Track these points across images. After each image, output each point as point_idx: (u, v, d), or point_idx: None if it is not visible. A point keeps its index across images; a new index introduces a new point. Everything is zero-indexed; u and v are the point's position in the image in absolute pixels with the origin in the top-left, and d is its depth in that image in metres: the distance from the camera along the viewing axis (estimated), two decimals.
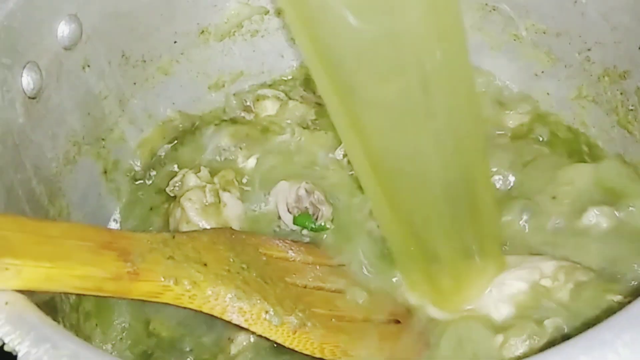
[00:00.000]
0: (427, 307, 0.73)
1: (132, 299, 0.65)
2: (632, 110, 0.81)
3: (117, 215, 0.86)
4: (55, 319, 0.68)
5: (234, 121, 0.93)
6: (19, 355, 0.46)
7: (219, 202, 0.82)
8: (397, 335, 0.72)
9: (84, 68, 0.79)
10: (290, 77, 0.98)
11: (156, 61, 0.89)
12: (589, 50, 0.84)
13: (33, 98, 0.71)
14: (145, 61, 0.88)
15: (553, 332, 0.66)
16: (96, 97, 0.82)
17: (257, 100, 0.94)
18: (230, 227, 0.80)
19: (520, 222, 0.77)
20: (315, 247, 0.79)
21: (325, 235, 0.79)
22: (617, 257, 0.73)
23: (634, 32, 0.77)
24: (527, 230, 0.77)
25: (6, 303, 0.49)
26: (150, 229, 0.83)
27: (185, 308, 0.64)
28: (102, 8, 0.80)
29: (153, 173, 0.88)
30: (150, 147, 0.90)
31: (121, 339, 0.75)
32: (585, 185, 0.79)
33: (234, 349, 0.73)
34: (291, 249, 0.77)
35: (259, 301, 0.66)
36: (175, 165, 0.88)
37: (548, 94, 0.91)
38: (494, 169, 0.82)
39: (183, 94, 0.93)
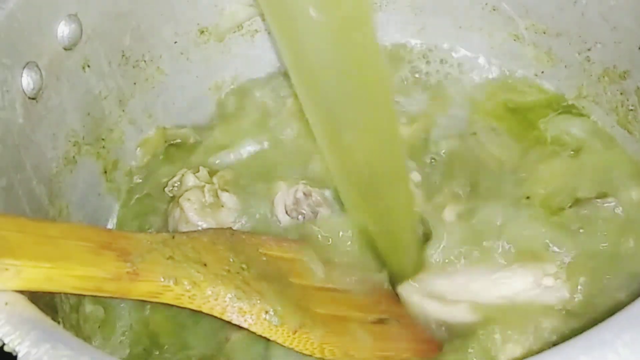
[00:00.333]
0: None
1: (132, 299, 0.65)
2: (632, 110, 0.81)
3: (116, 215, 0.86)
4: (55, 319, 0.68)
5: (233, 120, 0.93)
6: (19, 355, 0.46)
7: (218, 202, 0.82)
8: (398, 334, 0.72)
9: (84, 68, 0.79)
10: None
11: (156, 61, 0.89)
12: (589, 50, 0.84)
13: (33, 98, 0.71)
14: (145, 61, 0.88)
15: (551, 334, 0.66)
16: (96, 97, 0.82)
17: (255, 99, 0.94)
18: (230, 228, 0.80)
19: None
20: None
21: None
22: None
23: (634, 32, 0.78)
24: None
25: (6, 303, 0.49)
26: (149, 229, 0.83)
27: (185, 308, 0.64)
28: (102, 8, 0.80)
29: (153, 173, 0.88)
30: (150, 147, 0.90)
31: (121, 342, 0.75)
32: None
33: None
34: (291, 249, 0.77)
35: (258, 301, 0.66)
36: (175, 166, 0.88)
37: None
38: None
39: (183, 94, 0.93)
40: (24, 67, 0.70)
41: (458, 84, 0.94)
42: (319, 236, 0.78)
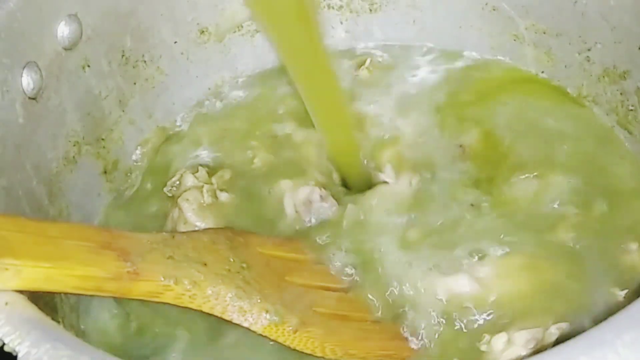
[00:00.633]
0: None
1: (132, 299, 0.65)
2: (632, 110, 0.81)
3: (116, 215, 0.86)
4: (55, 319, 0.68)
5: (233, 120, 0.93)
6: (19, 355, 0.46)
7: (217, 202, 0.82)
8: (397, 333, 0.72)
9: (84, 68, 0.79)
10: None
11: (156, 61, 0.89)
12: (589, 50, 0.84)
13: (33, 98, 0.71)
14: (145, 61, 0.88)
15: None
16: (96, 97, 0.82)
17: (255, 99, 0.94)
18: (230, 227, 0.80)
19: None
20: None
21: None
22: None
23: (634, 32, 0.78)
24: None
25: (6, 303, 0.49)
26: (148, 229, 0.83)
27: (185, 308, 0.64)
28: (102, 8, 0.80)
29: (152, 173, 0.88)
30: (150, 147, 0.90)
31: None
32: None
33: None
34: (291, 248, 0.77)
35: (259, 300, 0.66)
36: (174, 166, 0.88)
37: None
38: None
39: (183, 94, 0.93)
40: (24, 67, 0.70)
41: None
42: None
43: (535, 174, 0.81)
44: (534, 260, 0.73)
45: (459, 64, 0.95)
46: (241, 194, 0.84)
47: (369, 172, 0.85)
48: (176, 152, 0.90)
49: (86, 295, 0.68)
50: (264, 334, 0.66)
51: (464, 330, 0.70)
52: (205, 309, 0.64)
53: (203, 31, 0.92)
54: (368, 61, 0.96)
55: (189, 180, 0.83)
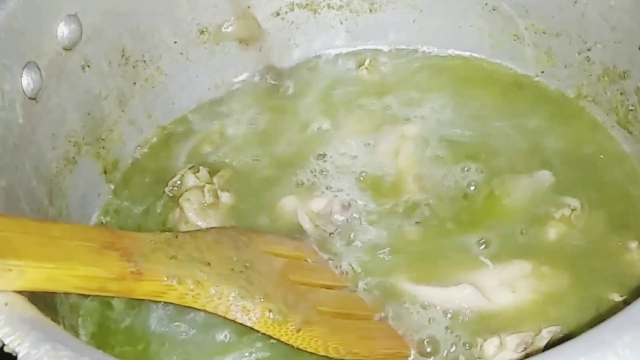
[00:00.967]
0: None
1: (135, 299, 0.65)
2: (632, 110, 0.81)
3: (116, 216, 0.86)
4: (55, 320, 0.68)
5: (233, 120, 0.93)
6: (19, 356, 0.46)
7: (218, 202, 0.82)
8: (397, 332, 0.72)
9: (83, 68, 0.79)
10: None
11: (156, 61, 0.89)
12: (588, 50, 0.84)
13: (33, 98, 0.71)
14: (145, 61, 0.88)
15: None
16: (96, 98, 0.82)
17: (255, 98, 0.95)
18: (233, 227, 0.80)
19: None
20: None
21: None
22: None
23: (634, 32, 0.78)
24: None
25: (6, 304, 0.49)
26: (150, 229, 0.83)
27: (188, 307, 0.64)
28: (102, 8, 0.80)
29: (152, 173, 0.88)
30: (150, 147, 0.90)
31: None
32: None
33: None
34: (294, 247, 0.77)
35: (262, 300, 0.66)
36: (175, 165, 0.88)
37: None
38: None
39: (183, 94, 0.93)
40: (23, 68, 0.70)
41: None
42: None
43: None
44: (534, 265, 0.74)
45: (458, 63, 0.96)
46: (242, 193, 0.84)
47: None
48: (177, 151, 0.90)
49: (89, 295, 0.69)
50: (267, 333, 0.66)
51: (460, 334, 0.71)
52: (209, 309, 0.64)
53: (203, 31, 0.92)
54: (367, 61, 0.96)
55: (190, 180, 0.83)
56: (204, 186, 0.82)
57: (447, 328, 0.71)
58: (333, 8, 0.96)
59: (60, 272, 0.55)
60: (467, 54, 0.95)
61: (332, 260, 0.77)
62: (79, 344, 0.47)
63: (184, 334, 0.73)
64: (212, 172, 0.85)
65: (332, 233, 0.80)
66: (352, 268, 0.77)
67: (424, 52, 0.97)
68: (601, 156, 0.83)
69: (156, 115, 0.91)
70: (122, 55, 0.84)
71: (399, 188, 0.83)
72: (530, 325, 0.69)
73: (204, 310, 0.65)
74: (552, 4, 0.85)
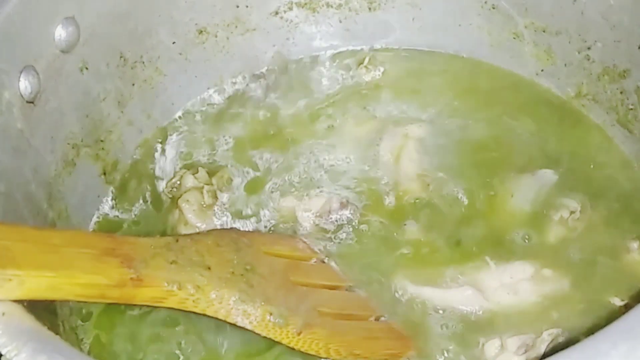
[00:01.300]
0: None
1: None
2: (632, 109, 0.81)
3: (116, 217, 0.86)
4: (55, 323, 0.69)
5: (233, 119, 0.93)
6: None
7: (217, 203, 0.82)
8: (398, 332, 0.72)
9: (82, 70, 0.79)
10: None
11: (155, 62, 0.89)
12: (588, 49, 0.84)
13: (31, 102, 0.71)
14: (143, 62, 0.87)
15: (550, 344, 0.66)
16: (95, 99, 0.82)
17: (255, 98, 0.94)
18: (234, 228, 0.80)
19: None
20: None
21: None
22: None
23: (634, 31, 0.78)
24: None
25: (3, 314, 0.49)
26: (149, 231, 0.83)
27: (189, 312, 0.64)
28: (99, 10, 0.79)
29: (152, 174, 0.88)
30: (149, 148, 0.90)
31: None
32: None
33: None
34: (296, 247, 0.77)
35: (262, 303, 0.66)
36: (174, 166, 0.88)
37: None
38: None
39: (182, 95, 0.93)
40: (21, 71, 0.70)
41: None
42: None
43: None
44: (536, 267, 0.74)
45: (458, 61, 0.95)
46: (241, 194, 0.84)
47: None
48: (176, 152, 0.90)
49: (90, 302, 0.69)
50: (268, 336, 0.66)
51: (461, 335, 0.71)
52: (209, 313, 0.65)
53: (201, 31, 0.91)
54: (367, 59, 0.96)
55: (189, 181, 0.83)
56: (202, 187, 0.82)
57: (447, 329, 0.71)
58: (332, 7, 0.96)
59: (61, 280, 0.55)
60: (466, 52, 0.94)
61: (332, 259, 0.77)
62: (75, 355, 0.47)
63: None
64: (211, 173, 0.85)
65: (332, 231, 0.80)
66: (352, 267, 0.77)
67: (423, 50, 0.96)
68: (601, 155, 0.83)
69: (155, 116, 0.91)
70: (121, 57, 0.84)
71: (400, 188, 0.83)
72: (531, 327, 0.70)
73: (204, 314, 0.65)
74: (552, 3, 0.84)
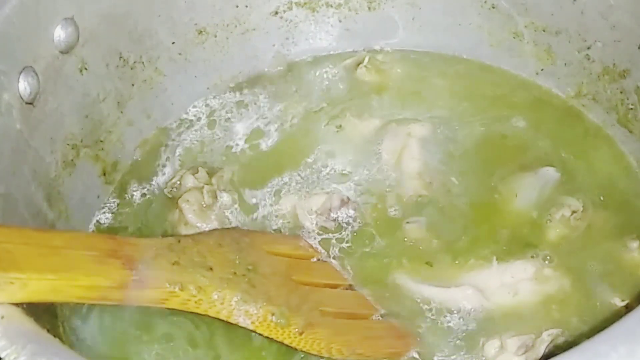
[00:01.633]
0: None
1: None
2: (632, 109, 0.81)
3: (116, 217, 0.86)
4: (55, 324, 0.69)
5: (233, 120, 0.93)
6: None
7: (217, 202, 0.82)
8: (399, 331, 0.72)
9: (81, 71, 0.79)
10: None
11: (154, 62, 0.89)
12: (588, 48, 0.84)
13: (30, 103, 0.71)
14: (143, 62, 0.87)
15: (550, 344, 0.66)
16: (94, 100, 0.82)
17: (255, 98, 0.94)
18: (236, 227, 0.80)
19: None
20: None
21: None
22: None
23: (634, 31, 0.78)
24: None
25: (2, 317, 0.49)
26: (149, 231, 0.83)
27: (191, 312, 0.64)
28: (98, 10, 0.79)
29: (152, 174, 0.88)
30: (149, 148, 0.90)
31: None
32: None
33: None
34: (298, 246, 0.77)
35: (265, 303, 0.66)
36: (174, 166, 0.88)
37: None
38: None
39: (182, 95, 0.93)
40: (20, 72, 0.70)
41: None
42: None
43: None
44: (537, 267, 0.74)
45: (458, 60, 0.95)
46: (241, 194, 0.84)
47: None
48: (176, 152, 0.90)
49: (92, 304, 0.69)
50: (270, 336, 0.67)
51: (462, 334, 0.71)
52: (211, 314, 0.65)
53: (201, 31, 0.91)
54: (366, 59, 0.95)
55: (189, 181, 0.83)
56: (202, 187, 0.82)
57: (447, 328, 0.71)
58: (332, 6, 0.96)
59: (63, 283, 0.55)
60: (466, 52, 0.94)
61: (333, 257, 0.77)
62: (75, 357, 0.47)
63: None
64: (211, 173, 0.85)
65: (333, 230, 0.80)
66: (354, 265, 0.77)
67: (423, 50, 0.96)
68: (601, 155, 0.84)
69: (155, 116, 0.91)
70: (120, 57, 0.84)
71: (402, 186, 0.83)
72: (531, 327, 0.70)
73: (206, 315, 0.65)
74: (552, 2, 0.84)
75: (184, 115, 0.93)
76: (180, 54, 0.91)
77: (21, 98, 0.70)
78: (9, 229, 0.56)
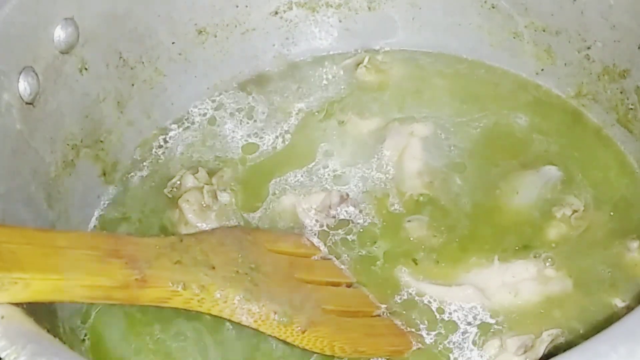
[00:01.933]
0: None
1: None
2: (632, 109, 0.81)
3: (116, 217, 0.86)
4: (55, 324, 0.69)
5: (233, 120, 0.93)
6: None
7: (217, 202, 0.82)
8: (400, 329, 0.72)
9: (81, 71, 0.79)
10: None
11: (154, 62, 0.88)
12: (588, 48, 0.84)
13: (30, 103, 0.71)
14: (143, 63, 0.87)
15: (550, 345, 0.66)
16: (94, 100, 0.82)
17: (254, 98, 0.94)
18: (239, 225, 0.80)
19: None
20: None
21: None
22: None
23: (634, 31, 0.78)
24: None
25: (2, 317, 0.49)
26: (149, 231, 0.83)
27: (194, 311, 0.65)
28: (99, 10, 0.79)
29: (152, 174, 0.88)
30: (149, 148, 0.90)
31: None
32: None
33: None
34: (300, 244, 0.78)
35: (267, 302, 0.66)
36: (174, 166, 0.88)
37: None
38: None
39: (182, 95, 0.93)
40: (20, 72, 0.70)
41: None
42: None
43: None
44: (539, 267, 0.74)
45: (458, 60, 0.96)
46: (241, 194, 0.84)
47: None
48: (176, 152, 0.90)
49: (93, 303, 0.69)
50: (272, 335, 0.67)
51: (463, 334, 0.71)
52: (214, 312, 0.65)
53: (201, 31, 0.91)
54: (366, 59, 0.95)
55: (189, 181, 0.83)
56: (202, 187, 0.82)
57: (448, 327, 0.71)
58: (332, 6, 0.96)
59: (66, 282, 0.55)
60: (466, 52, 0.94)
61: (334, 255, 0.78)
62: (75, 357, 0.47)
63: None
64: (211, 173, 0.85)
65: (334, 227, 0.80)
66: (356, 263, 0.77)
67: (423, 50, 0.96)
68: (601, 155, 0.84)
69: (155, 116, 0.91)
70: (120, 57, 0.84)
71: (404, 185, 0.83)
72: (531, 327, 0.70)
73: (209, 314, 0.65)
74: (552, 2, 0.84)
75: (184, 115, 0.93)
76: (180, 54, 0.91)
77: (21, 98, 0.70)
78: (12, 229, 0.56)
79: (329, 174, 0.85)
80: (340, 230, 0.79)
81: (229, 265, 0.68)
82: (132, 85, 0.87)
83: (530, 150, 0.85)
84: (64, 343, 0.58)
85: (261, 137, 0.90)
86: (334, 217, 0.80)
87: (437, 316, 0.72)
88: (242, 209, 0.83)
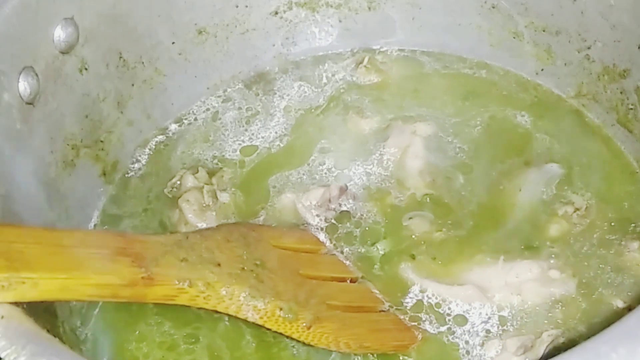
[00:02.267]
0: None
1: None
2: (632, 109, 0.81)
3: (116, 217, 0.86)
4: (55, 324, 0.69)
5: (232, 120, 0.93)
6: None
7: (217, 202, 0.82)
8: (403, 324, 0.72)
9: (81, 71, 0.79)
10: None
11: (154, 62, 0.89)
12: (588, 48, 0.84)
13: (30, 103, 0.71)
14: (143, 62, 0.87)
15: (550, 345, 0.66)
16: (94, 100, 0.82)
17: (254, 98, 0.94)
18: (244, 222, 0.80)
19: None
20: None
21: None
22: None
23: (634, 31, 0.78)
24: None
25: (2, 317, 0.49)
26: (149, 231, 0.83)
27: (200, 309, 0.65)
28: (99, 10, 0.79)
29: (152, 174, 0.88)
30: (149, 148, 0.90)
31: None
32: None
33: None
34: (304, 239, 0.78)
35: (272, 298, 0.66)
36: (174, 166, 0.88)
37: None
38: None
39: (182, 95, 0.93)
40: (20, 73, 0.70)
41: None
42: None
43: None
44: (542, 268, 0.74)
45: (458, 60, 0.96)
46: (242, 193, 0.84)
47: None
48: (176, 152, 0.90)
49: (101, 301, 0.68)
50: (278, 331, 0.67)
51: (463, 332, 0.71)
52: (220, 309, 0.65)
53: (201, 31, 0.91)
54: (366, 59, 0.96)
55: (189, 181, 0.83)
56: (202, 187, 0.82)
57: (449, 325, 0.71)
58: (332, 6, 0.96)
59: (73, 281, 0.55)
60: (466, 52, 0.95)
61: (340, 251, 0.78)
62: (75, 358, 0.47)
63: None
64: (211, 173, 0.85)
65: (335, 222, 0.80)
66: (359, 258, 0.77)
67: (422, 50, 0.96)
68: (601, 155, 0.84)
69: (155, 116, 0.91)
70: (120, 57, 0.84)
71: (407, 183, 0.83)
72: (531, 327, 0.70)
73: (215, 311, 0.65)
74: (552, 2, 0.85)
75: (184, 115, 0.93)
76: (180, 54, 0.91)
77: (21, 98, 0.70)
78: (19, 229, 0.57)
79: (329, 172, 0.86)
80: (342, 224, 0.80)
81: (235, 262, 0.68)
82: (132, 85, 0.87)
83: (531, 150, 0.85)
84: (64, 343, 0.58)
85: (261, 137, 0.90)
86: (334, 209, 0.80)
87: (439, 313, 0.72)
88: (242, 209, 0.83)
